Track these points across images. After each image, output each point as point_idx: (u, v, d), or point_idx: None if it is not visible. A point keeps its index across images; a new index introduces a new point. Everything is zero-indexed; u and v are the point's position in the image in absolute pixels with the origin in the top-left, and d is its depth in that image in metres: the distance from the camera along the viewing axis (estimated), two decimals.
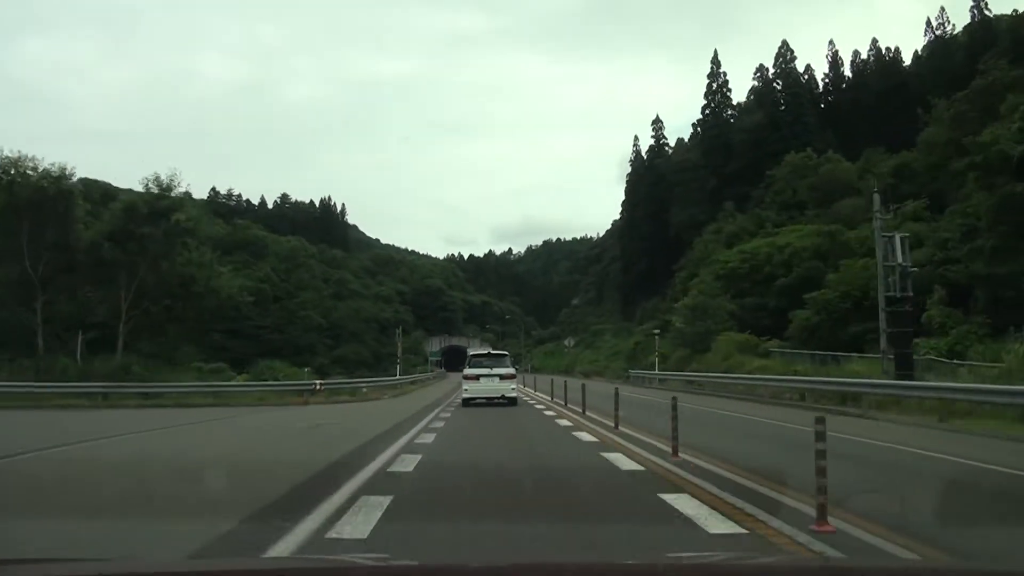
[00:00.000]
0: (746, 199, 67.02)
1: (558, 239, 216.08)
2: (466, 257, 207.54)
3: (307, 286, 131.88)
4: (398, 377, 53.21)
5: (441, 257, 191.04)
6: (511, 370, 25.20)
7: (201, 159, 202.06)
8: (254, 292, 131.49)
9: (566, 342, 66.49)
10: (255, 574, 2.52)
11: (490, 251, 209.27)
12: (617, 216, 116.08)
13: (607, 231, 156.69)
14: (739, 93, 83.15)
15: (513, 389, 24.32)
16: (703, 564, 2.59)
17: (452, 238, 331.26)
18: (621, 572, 2.40)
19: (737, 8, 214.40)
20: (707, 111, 79.59)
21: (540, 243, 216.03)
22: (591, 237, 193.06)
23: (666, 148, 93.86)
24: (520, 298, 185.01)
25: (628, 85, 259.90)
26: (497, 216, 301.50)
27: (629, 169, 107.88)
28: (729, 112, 78.46)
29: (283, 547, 5.33)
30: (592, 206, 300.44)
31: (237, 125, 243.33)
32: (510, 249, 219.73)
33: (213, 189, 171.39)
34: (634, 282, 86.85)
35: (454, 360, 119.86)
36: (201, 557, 4.81)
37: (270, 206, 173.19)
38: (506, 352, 29.82)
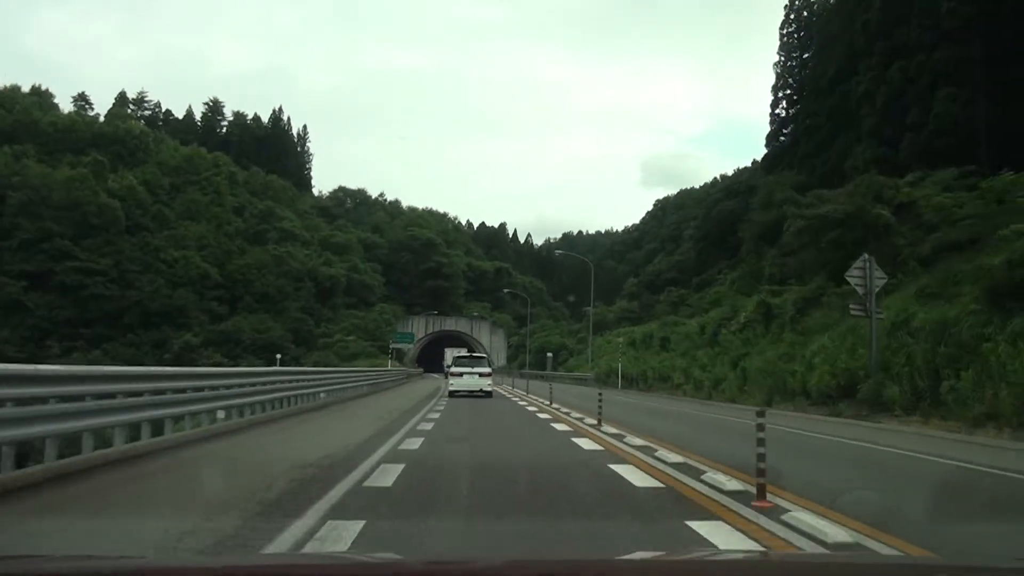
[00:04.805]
0: None
1: (579, 231, 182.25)
2: (476, 226, 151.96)
3: (200, 215, 77.70)
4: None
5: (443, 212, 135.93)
6: (488, 369, 27.55)
7: None
8: (91, 212, 76.22)
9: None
10: (256, 570, 2.30)
11: (503, 223, 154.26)
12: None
13: (648, 212, 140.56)
14: None
15: (489, 384, 26.75)
16: (696, 560, 2.53)
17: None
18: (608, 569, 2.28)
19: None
20: None
21: (560, 236, 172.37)
22: (616, 230, 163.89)
23: None
24: (547, 283, 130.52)
25: (645, 87, 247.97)
26: (510, 213, 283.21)
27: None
28: None
29: None
30: (610, 208, 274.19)
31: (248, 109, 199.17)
32: (529, 235, 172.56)
33: (122, 93, 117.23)
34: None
35: (435, 357, 73.79)
36: (201, 554, 4.52)
37: (198, 117, 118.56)
38: (484, 355, 35.19)
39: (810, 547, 4.84)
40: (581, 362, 52.71)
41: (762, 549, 4.79)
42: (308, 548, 4.82)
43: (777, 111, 63.43)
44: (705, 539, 5.08)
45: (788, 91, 62.57)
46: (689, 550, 4.33)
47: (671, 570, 2.21)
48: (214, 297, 70.27)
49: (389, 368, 43.23)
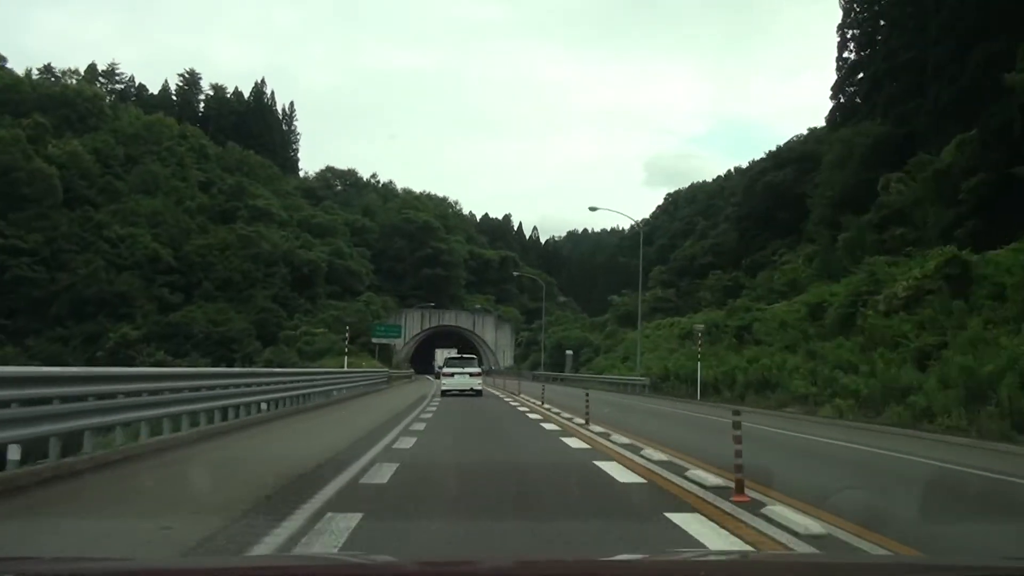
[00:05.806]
0: None
1: (584, 230, 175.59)
2: (479, 217, 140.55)
3: (158, 188, 66.77)
4: None
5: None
6: (478, 370, 29.10)
7: None
8: (21, 180, 62.92)
9: None
10: (248, 571, 2.25)
11: (508, 214, 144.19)
12: None
13: (658, 207, 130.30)
14: None
15: (479, 384, 28.14)
16: (707, 561, 2.57)
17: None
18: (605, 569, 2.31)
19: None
20: None
21: (564, 234, 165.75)
22: (623, 228, 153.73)
23: None
24: (555, 279, 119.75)
25: (646, 87, 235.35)
26: (512, 212, 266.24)
27: None
28: None
29: None
30: (613, 208, 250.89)
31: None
32: (535, 229, 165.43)
33: (91, 65, 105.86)
34: None
35: (431, 355, 68.10)
36: (191, 555, 4.48)
37: (172, 90, 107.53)
38: (474, 356, 34.10)
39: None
40: (613, 361, 41.21)
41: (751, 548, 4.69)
42: None
43: (845, 55, 52.18)
44: None
45: (857, 30, 51.55)
46: (689, 549, 4.51)
47: (677, 569, 2.23)
48: (165, 283, 59.11)
49: (345, 370, 31.65)
